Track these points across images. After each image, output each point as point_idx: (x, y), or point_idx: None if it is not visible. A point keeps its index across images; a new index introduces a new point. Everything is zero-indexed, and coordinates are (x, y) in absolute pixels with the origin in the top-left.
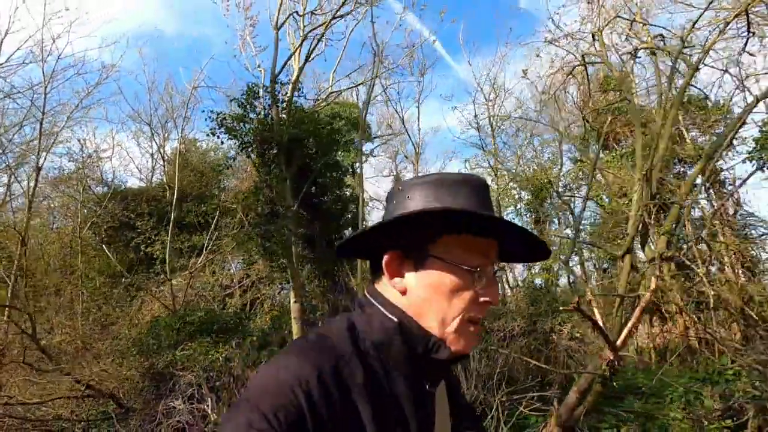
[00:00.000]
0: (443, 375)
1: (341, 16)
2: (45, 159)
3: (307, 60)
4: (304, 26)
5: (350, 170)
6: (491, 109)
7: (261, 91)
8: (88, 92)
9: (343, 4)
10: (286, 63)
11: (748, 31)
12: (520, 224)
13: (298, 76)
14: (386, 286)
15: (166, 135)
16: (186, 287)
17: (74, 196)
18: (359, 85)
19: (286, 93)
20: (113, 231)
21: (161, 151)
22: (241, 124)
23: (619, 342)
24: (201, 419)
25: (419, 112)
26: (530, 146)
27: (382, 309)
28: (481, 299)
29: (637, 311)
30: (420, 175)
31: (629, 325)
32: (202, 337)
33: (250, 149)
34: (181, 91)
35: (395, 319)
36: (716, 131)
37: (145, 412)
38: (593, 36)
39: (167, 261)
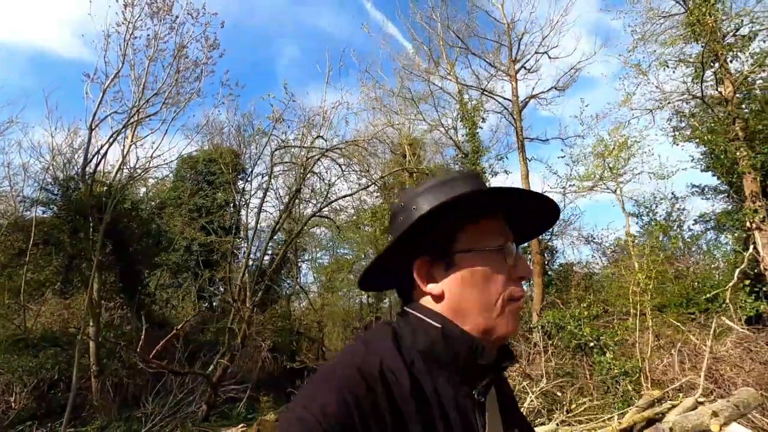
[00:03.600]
0: (492, 382)
1: (149, 116)
2: None
3: (132, 144)
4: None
5: (232, 205)
6: None
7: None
8: None
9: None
10: (101, 157)
11: None
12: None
13: (124, 158)
14: (424, 297)
15: None
16: None
17: None
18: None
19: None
20: None
21: None
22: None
23: None
24: None
25: None
26: None
27: (423, 317)
28: (514, 275)
29: None
30: (414, 188)
31: None
32: None
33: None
34: None
35: (438, 325)
36: None
37: None
38: None
39: None
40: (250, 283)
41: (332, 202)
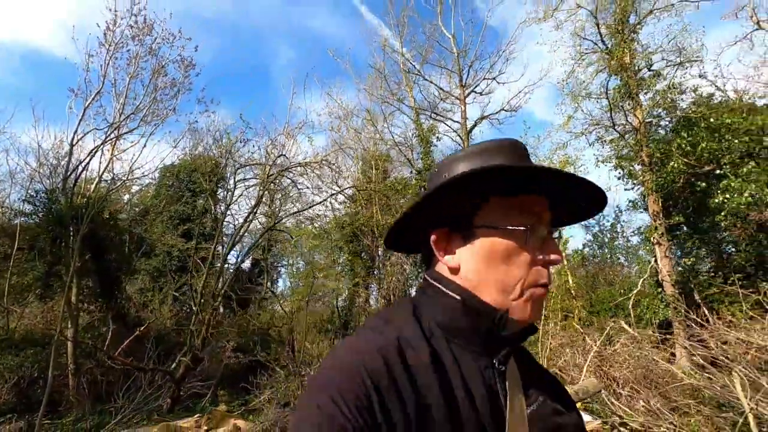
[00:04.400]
0: (512, 352)
1: (128, 132)
2: None
3: (113, 157)
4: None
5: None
6: None
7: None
8: None
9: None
10: (81, 170)
11: None
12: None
13: (103, 172)
14: (443, 267)
15: None
16: None
17: None
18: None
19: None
20: None
21: None
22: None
23: None
24: None
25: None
26: None
27: (443, 288)
28: (540, 260)
29: None
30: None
31: None
32: None
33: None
34: None
35: (458, 297)
36: None
37: None
38: None
39: None
40: (210, 291)
41: (286, 217)
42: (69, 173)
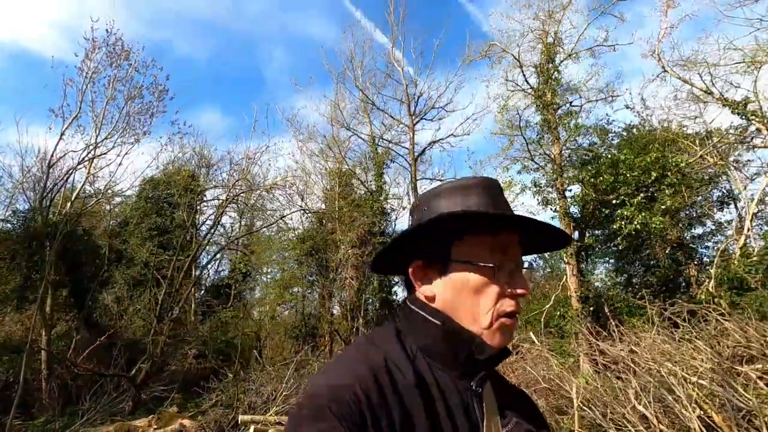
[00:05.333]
0: (488, 375)
1: (103, 154)
2: None
3: (90, 175)
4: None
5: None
6: None
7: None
8: None
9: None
10: (58, 190)
11: None
12: (532, 217)
13: (81, 188)
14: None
15: None
16: None
17: None
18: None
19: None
20: None
21: None
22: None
23: None
24: None
25: None
26: None
27: (424, 314)
28: (510, 291)
29: None
30: (435, 186)
31: None
32: None
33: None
34: None
35: (438, 323)
36: None
37: None
38: None
39: None
40: (170, 302)
41: (240, 236)
42: (46, 193)
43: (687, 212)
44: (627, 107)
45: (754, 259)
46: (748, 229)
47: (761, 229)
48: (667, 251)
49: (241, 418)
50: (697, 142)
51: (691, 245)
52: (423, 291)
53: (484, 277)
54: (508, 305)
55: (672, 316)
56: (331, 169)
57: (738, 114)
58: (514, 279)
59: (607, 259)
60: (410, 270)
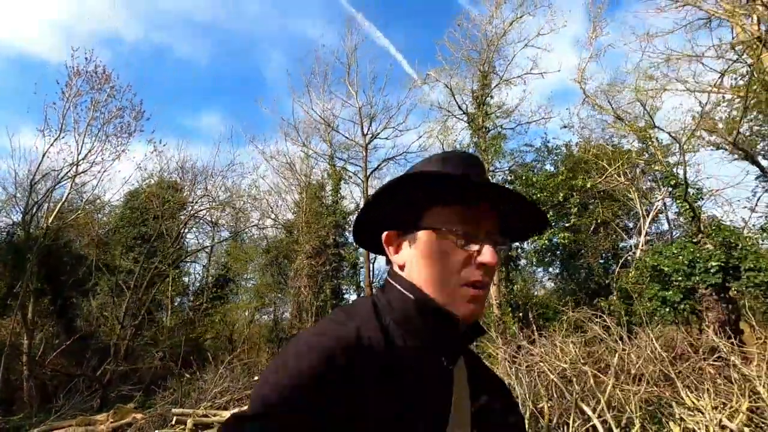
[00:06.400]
0: (461, 353)
1: (84, 172)
2: None
3: (72, 190)
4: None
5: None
6: None
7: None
8: None
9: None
10: (39, 206)
11: None
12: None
13: (60, 206)
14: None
15: None
16: None
17: None
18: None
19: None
20: None
21: None
22: None
23: None
24: None
25: None
26: None
27: (398, 286)
28: (476, 262)
29: None
30: None
31: None
32: None
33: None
34: None
35: (412, 297)
36: None
37: None
38: None
39: None
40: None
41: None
42: (29, 208)
43: (618, 223)
44: (565, 127)
45: (634, 272)
46: (643, 244)
47: (652, 245)
48: (600, 260)
49: (173, 410)
50: (605, 162)
51: (620, 253)
52: (396, 260)
53: (450, 243)
54: (472, 274)
55: (580, 321)
56: (299, 183)
57: (638, 139)
58: (483, 249)
59: (552, 267)
60: (383, 239)
